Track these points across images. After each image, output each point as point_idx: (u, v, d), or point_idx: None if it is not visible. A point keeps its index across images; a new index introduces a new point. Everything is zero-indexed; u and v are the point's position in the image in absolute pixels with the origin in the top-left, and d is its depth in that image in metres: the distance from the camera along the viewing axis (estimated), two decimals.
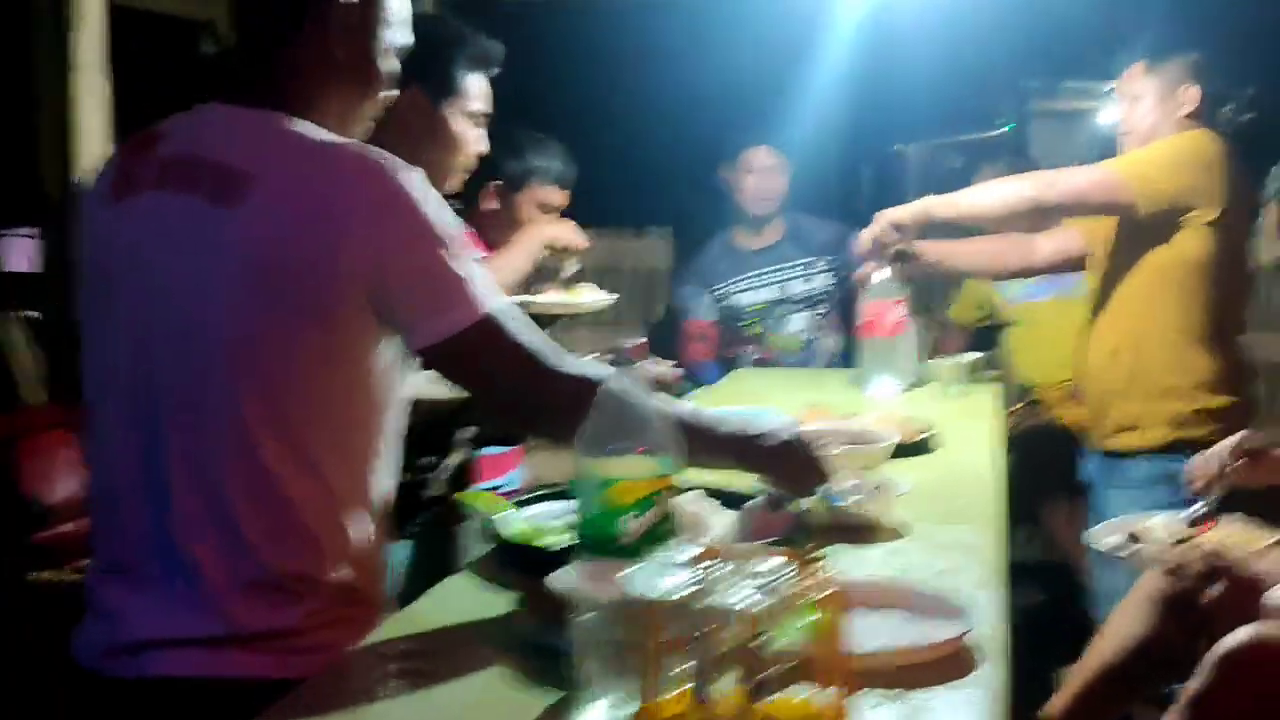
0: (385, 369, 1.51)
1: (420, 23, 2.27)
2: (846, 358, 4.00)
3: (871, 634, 1.35)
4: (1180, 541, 1.87)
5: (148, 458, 1.47)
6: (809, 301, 4.16)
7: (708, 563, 1.12)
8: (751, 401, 3.11)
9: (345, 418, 1.49)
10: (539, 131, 3.29)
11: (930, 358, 3.39)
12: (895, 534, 1.86)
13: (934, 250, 3.39)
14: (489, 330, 1.46)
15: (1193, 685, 1.72)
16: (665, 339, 5.15)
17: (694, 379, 4.21)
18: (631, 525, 1.21)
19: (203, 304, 1.44)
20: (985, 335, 4.44)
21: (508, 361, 1.48)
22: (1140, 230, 2.83)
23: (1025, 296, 4.09)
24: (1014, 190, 2.85)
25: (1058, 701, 2.13)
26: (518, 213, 3.09)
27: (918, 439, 2.47)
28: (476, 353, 1.46)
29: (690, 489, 1.87)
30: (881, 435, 2.29)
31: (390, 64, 1.63)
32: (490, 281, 1.50)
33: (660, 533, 1.23)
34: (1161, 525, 1.96)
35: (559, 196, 3.16)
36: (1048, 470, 3.74)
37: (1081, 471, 3.21)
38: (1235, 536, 1.90)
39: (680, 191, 5.12)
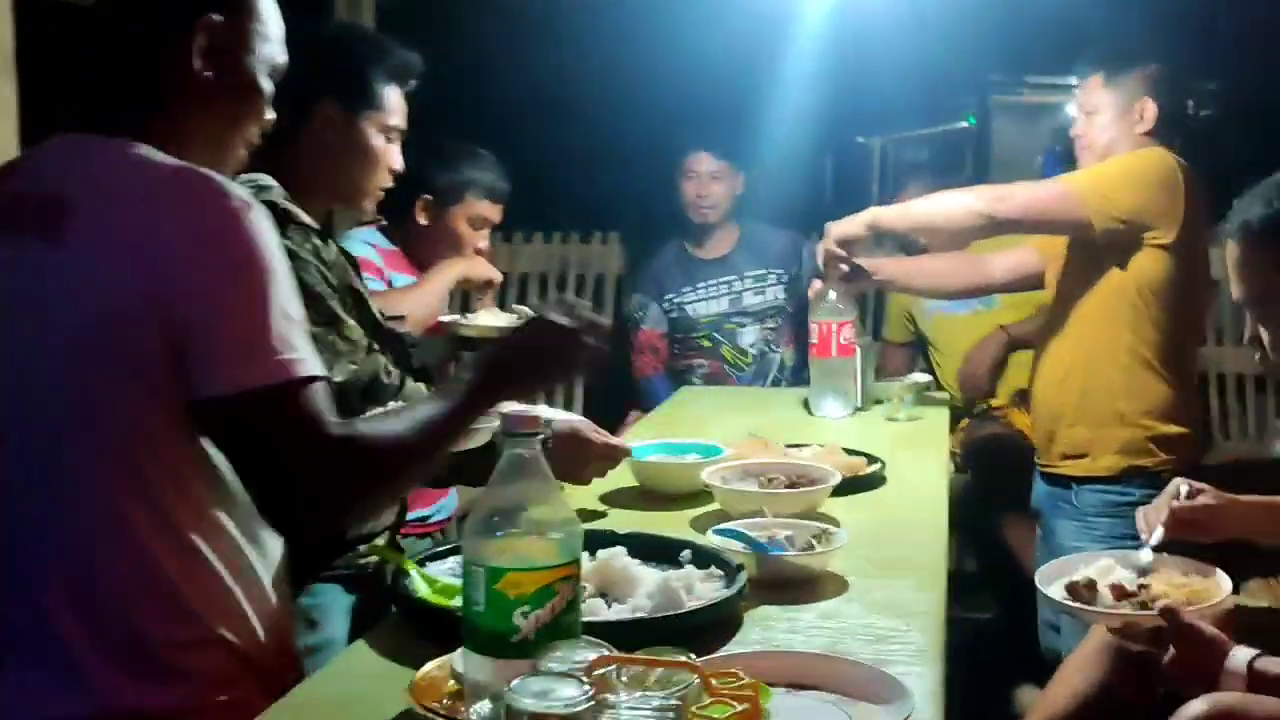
0: None
1: (335, 33, 2.16)
2: (799, 373, 3.92)
3: None
4: (1128, 595, 1.77)
5: None
6: (761, 315, 4.06)
7: (604, 670, 1.01)
8: (696, 425, 3.03)
9: (208, 474, 1.36)
10: (487, 135, 3.18)
11: (878, 378, 3.29)
12: (832, 589, 1.75)
13: (886, 268, 3.31)
14: (293, 397, 1.29)
15: None
16: (615, 349, 5.06)
17: (643, 393, 4.12)
18: (526, 621, 1.09)
19: (38, 357, 1.32)
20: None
21: (301, 439, 1.29)
22: (1095, 250, 2.74)
23: (943, 310, 3.99)
24: (967, 204, 2.76)
25: None
26: (450, 228, 2.98)
27: (864, 474, 2.37)
28: (268, 418, 1.29)
29: (615, 544, 1.77)
30: (823, 474, 2.18)
31: (266, 85, 1.52)
32: (312, 348, 1.34)
33: (560, 629, 1.11)
34: (1111, 571, 1.85)
35: (493, 211, 3.05)
36: (1005, 482, 3.65)
37: (1032, 496, 3.12)
38: (1185, 586, 1.80)
39: (632, 195, 5.00)
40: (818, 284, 3.05)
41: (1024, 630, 3.13)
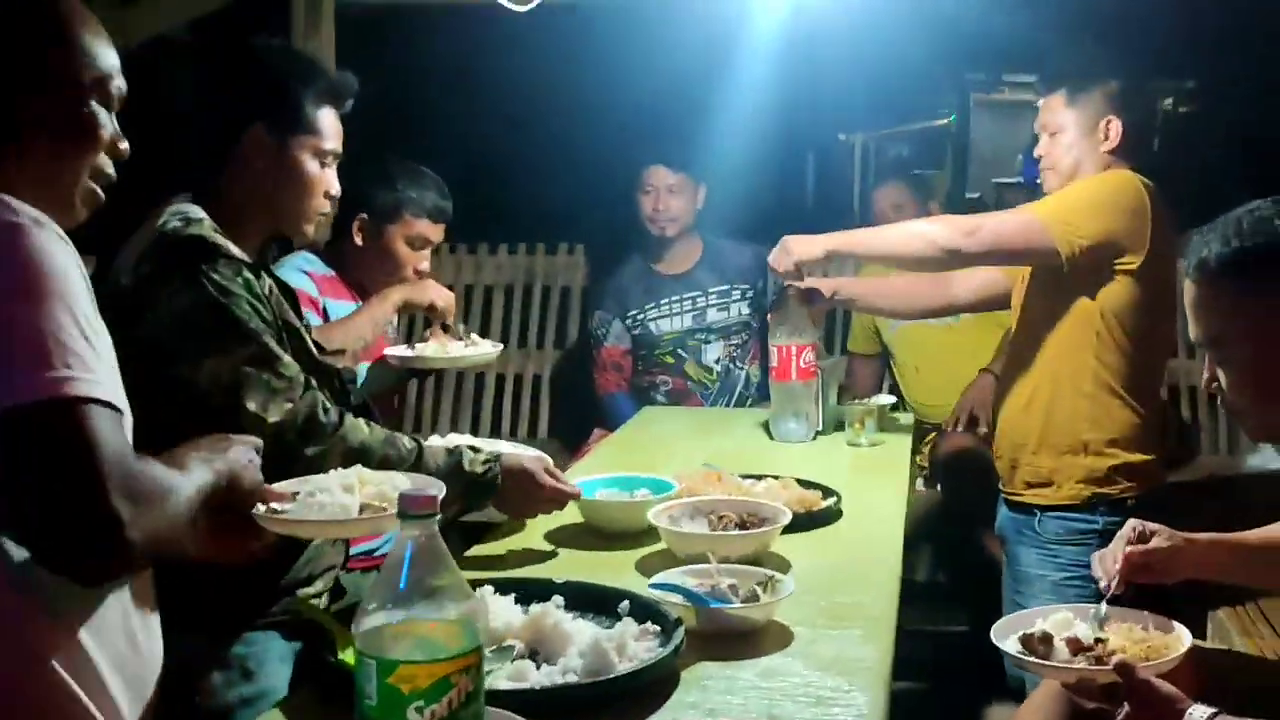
0: None
1: (261, 55, 2.07)
2: (766, 389, 3.86)
3: None
4: (1084, 649, 1.71)
5: None
6: (725, 331, 4.00)
7: None
8: (657, 447, 2.97)
9: None
10: (448, 147, 3.10)
11: (843, 393, 3.23)
12: (775, 642, 1.69)
13: (848, 288, 3.27)
14: (67, 415, 1.18)
15: None
16: (579, 366, 4.99)
17: (607, 411, 4.06)
18: (420, 718, 1.02)
19: None
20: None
21: (67, 460, 1.18)
22: (1061, 277, 2.68)
23: (910, 322, 3.92)
24: (930, 237, 2.69)
25: None
26: (388, 248, 2.89)
27: (818, 509, 2.30)
28: (32, 436, 1.18)
29: (552, 594, 1.70)
30: (774, 513, 2.11)
31: (102, 116, 1.43)
32: (97, 369, 1.24)
33: None
34: (1069, 624, 1.79)
35: (433, 231, 2.96)
36: (974, 496, 3.60)
37: (997, 522, 3.06)
38: (1144, 641, 1.74)
39: (597, 206, 4.93)
40: (775, 313, 3.00)
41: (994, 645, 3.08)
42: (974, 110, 7.68)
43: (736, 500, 2.22)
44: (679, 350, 4.03)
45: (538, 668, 1.52)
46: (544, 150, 5.08)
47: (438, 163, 3.09)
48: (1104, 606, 1.78)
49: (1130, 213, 2.65)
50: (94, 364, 1.24)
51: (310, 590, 2.00)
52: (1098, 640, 1.71)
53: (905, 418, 3.33)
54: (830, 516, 2.31)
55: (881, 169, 7.18)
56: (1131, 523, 1.91)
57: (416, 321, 4.43)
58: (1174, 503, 2.77)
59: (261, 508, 1.50)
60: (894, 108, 7.11)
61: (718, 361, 4.00)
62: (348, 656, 1.52)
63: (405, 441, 1.99)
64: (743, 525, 2.10)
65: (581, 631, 1.59)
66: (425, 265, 2.98)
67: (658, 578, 1.80)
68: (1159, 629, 1.75)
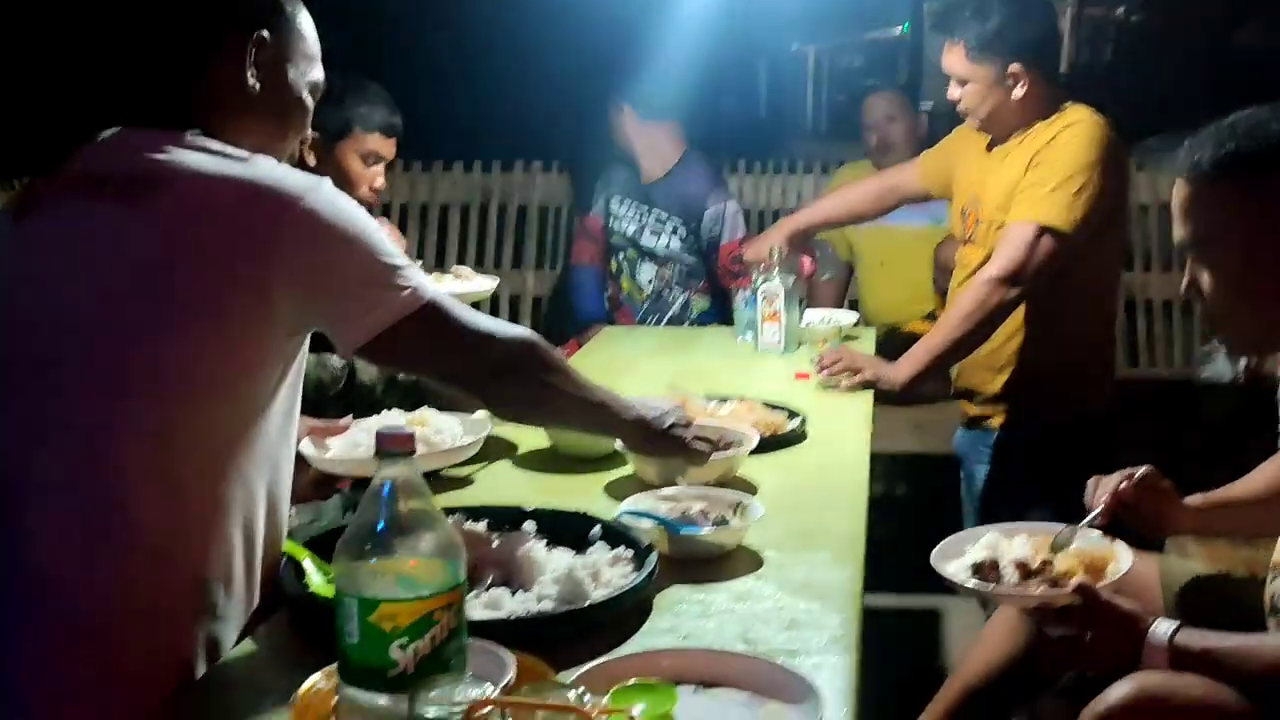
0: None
1: None
2: (708, 320, 3.90)
3: None
4: (1034, 572, 1.72)
5: None
6: (654, 256, 3.98)
7: (485, 714, 0.94)
8: (624, 368, 2.97)
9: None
10: (406, 64, 3.03)
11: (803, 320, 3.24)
12: (746, 565, 1.70)
13: (816, 217, 3.32)
14: (428, 315, 1.48)
15: None
16: (540, 284, 4.97)
17: (575, 284, 4.11)
18: (404, 655, 1.01)
19: (108, 302, 1.41)
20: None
21: (454, 341, 1.53)
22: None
23: (879, 223, 3.86)
24: (980, 304, 2.68)
25: (926, 717, 2.00)
26: (340, 166, 2.82)
27: (784, 431, 2.31)
28: (422, 338, 1.49)
29: (524, 520, 1.70)
30: (741, 437, 2.12)
31: (309, 101, 1.63)
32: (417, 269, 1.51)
33: (442, 660, 1.03)
34: (997, 545, 1.79)
35: (384, 146, 2.89)
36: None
37: (955, 440, 3.11)
38: (1085, 554, 1.74)
39: (558, 123, 4.86)
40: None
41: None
42: (927, 19, 7.60)
43: (703, 425, 2.21)
44: (623, 256, 4.03)
45: (512, 595, 1.52)
46: (499, 63, 4.97)
47: (389, 77, 3.02)
48: (1076, 531, 1.79)
49: (1107, 167, 2.69)
50: (412, 268, 1.53)
51: None
52: (1044, 563, 1.73)
53: (866, 335, 3.34)
54: (796, 438, 2.31)
55: (835, 79, 7.12)
56: (1148, 468, 1.91)
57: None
58: (1135, 405, 2.85)
59: (309, 445, 1.78)
60: (847, 18, 7.03)
61: (649, 283, 4.00)
62: (318, 587, 1.52)
63: (334, 361, 2.05)
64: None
65: (554, 559, 1.60)
66: (380, 182, 2.93)
67: (628, 504, 1.81)
68: (1098, 547, 1.77)
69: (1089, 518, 1.84)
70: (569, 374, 1.72)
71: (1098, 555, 1.73)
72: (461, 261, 4.91)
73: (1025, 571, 1.70)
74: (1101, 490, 1.90)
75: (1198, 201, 1.65)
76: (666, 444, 1.89)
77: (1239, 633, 1.60)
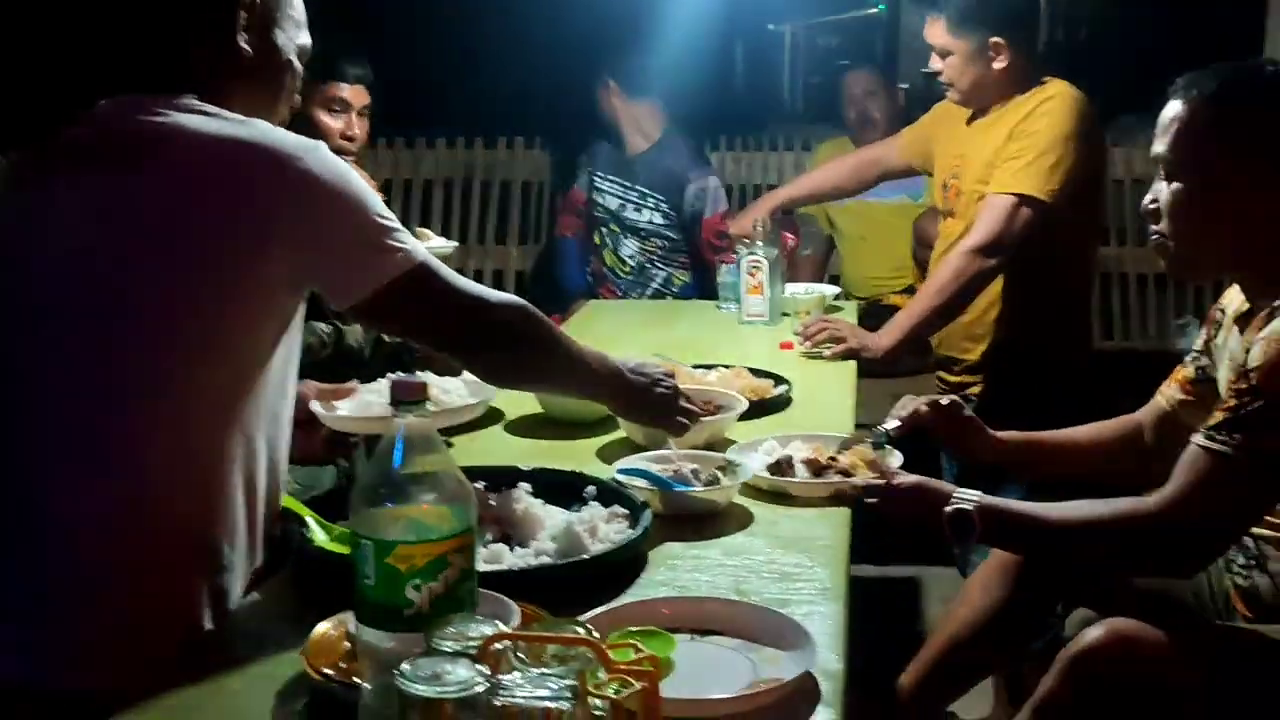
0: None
1: None
2: (689, 293, 3.95)
3: (701, 669, 1.28)
4: (824, 467, 1.88)
5: None
6: (637, 230, 4.01)
7: (500, 646, 0.99)
8: (607, 342, 2.99)
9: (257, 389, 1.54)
10: (390, 38, 3.03)
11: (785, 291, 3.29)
12: (737, 522, 1.75)
13: (798, 193, 3.37)
14: (421, 276, 1.51)
15: (1043, 689, 1.66)
16: (523, 259, 5.00)
17: (557, 254, 4.15)
18: (419, 595, 1.06)
19: (119, 265, 1.43)
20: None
21: (445, 303, 1.55)
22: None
23: (860, 198, 3.96)
24: (960, 273, 2.76)
25: (909, 674, 2.06)
26: (306, 116, 2.80)
27: (770, 396, 2.36)
28: (415, 298, 1.51)
29: (520, 480, 1.74)
30: (729, 401, 2.17)
31: (298, 65, 1.64)
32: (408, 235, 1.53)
33: (454, 600, 1.07)
34: (776, 450, 1.96)
35: (352, 94, 2.90)
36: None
37: None
38: (864, 455, 1.94)
39: (541, 98, 4.88)
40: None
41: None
42: (903, 0, 7.66)
43: (692, 389, 2.25)
44: (606, 231, 4.06)
45: (511, 549, 1.57)
46: (484, 39, 4.99)
47: (374, 54, 3.04)
48: (861, 438, 1.99)
49: (1086, 138, 2.76)
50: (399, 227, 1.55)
51: None
52: (831, 458, 1.91)
53: (848, 308, 3.39)
54: (782, 403, 2.36)
55: (811, 59, 7.15)
56: (952, 398, 2.12)
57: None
58: (1097, 382, 2.92)
59: (319, 406, 1.84)
60: None
61: (631, 257, 4.04)
62: (323, 543, 1.56)
63: (322, 326, 2.08)
64: None
65: (552, 515, 1.64)
66: (357, 131, 2.94)
67: (622, 463, 1.85)
68: (875, 452, 1.96)
69: (882, 427, 2.04)
70: (559, 340, 1.74)
71: (873, 456, 1.93)
72: (446, 236, 4.94)
73: (815, 467, 1.88)
74: (901, 407, 2.08)
75: (1188, 123, 1.74)
76: (653, 409, 1.92)
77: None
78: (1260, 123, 1.72)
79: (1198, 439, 1.64)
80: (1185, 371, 2.03)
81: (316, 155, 1.47)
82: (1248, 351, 1.65)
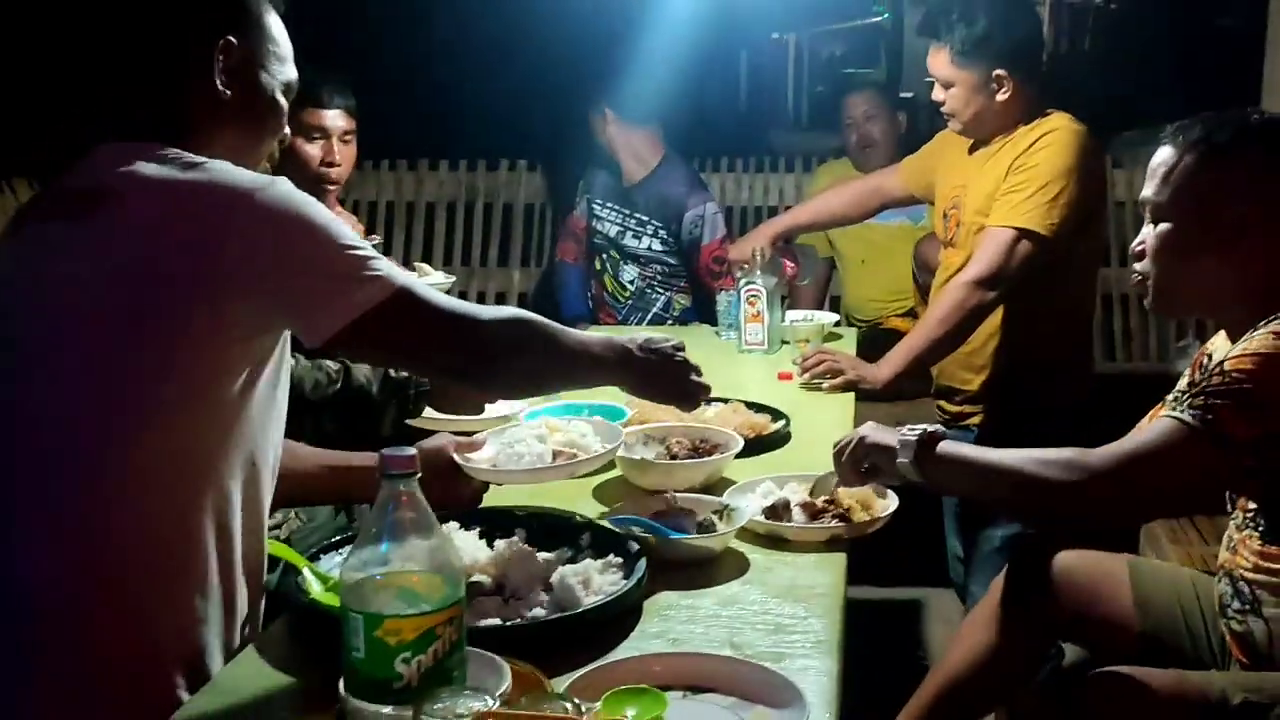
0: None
1: None
2: (689, 318, 3.96)
3: None
4: (821, 512, 1.89)
5: None
6: (637, 257, 4.02)
7: None
8: None
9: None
10: (394, 64, 3.01)
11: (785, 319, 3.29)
12: (732, 569, 1.75)
13: (800, 220, 3.38)
14: (403, 302, 1.45)
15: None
16: (523, 282, 5.00)
17: (559, 280, 4.15)
18: (408, 668, 1.06)
19: (62, 323, 1.42)
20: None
21: (435, 326, 1.50)
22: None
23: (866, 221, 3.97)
24: (959, 306, 2.76)
25: (907, 713, 2.06)
26: (289, 147, 2.81)
27: (768, 433, 2.35)
28: (399, 325, 1.46)
29: (515, 526, 1.75)
30: (726, 440, 2.17)
31: (282, 101, 1.63)
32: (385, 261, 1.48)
33: (443, 674, 1.08)
34: (773, 493, 1.97)
35: (330, 119, 2.89)
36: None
37: None
38: (858, 495, 1.94)
39: (540, 122, 4.89)
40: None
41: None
42: (908, 7, 7.66)
43: (688, 426, 2.26)
44: (605, 257, 4.07)
45: (505, 602, 1.57)
46: (484, 63, 5.00)
47: (375, 78, 3.04)
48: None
49: (1083, 176, 2.76)
50: (374, 256, 1.49)
51: (272, 520, 2.03)
52: (827, 502, 1.92)
53: (848, 335, 3.39)
54: (780, 440, 2.36)
55: (815, 68, 7.16)
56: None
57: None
58: (1098, 404, 2.92)
59: (461, 459, 1.81)
60: (827, 6, 7.07)
61: (631, 283, 4.04)
62: (319, 595, 1.56)
63: (330, 365, 2.08)
64: (695, 451, 2.15)
65: (546, 566, 1.64)
66: (337, 157, 2.92)
67: (615, 511, 1.85)
68: (875, 493, 1.95)
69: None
70: (561, 339, 1.67)
71: (867, 495, 1.94)
72: (447, 260, 4.95)
73: (812, 511, 1.89)
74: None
75: (1175, 167, 1.78)
76: (664, 388, 1.87)
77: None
78: (1246, 169, 1.75)
79: (1165, 411, 1.69)
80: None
81: (271, 190, 1.43)
82: None
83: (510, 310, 1.62)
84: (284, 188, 1.44)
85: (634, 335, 1.86)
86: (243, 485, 1.52)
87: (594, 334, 1.77)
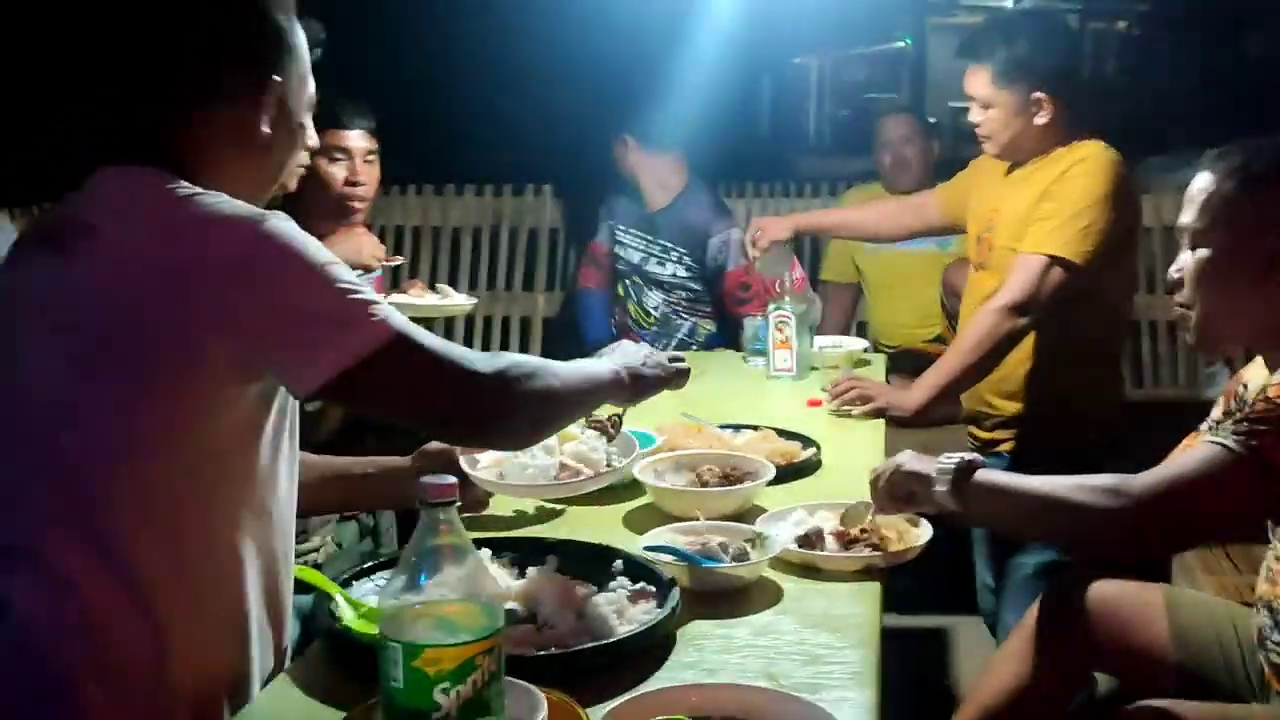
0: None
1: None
2: (714, 344, 3.94)
3: None
4: (855, 540, 1.88)
5: None
6: (661, 284, 4.01)
7: None
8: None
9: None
10: (418, 88, 3.01)
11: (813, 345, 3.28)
12: (766, 598, 1.74)
13: (826, 220, 3.37)
14: (398, 350, 1.36)
15: None
16: (548, 307, 5.01)
17: (581, 307, 4.16)
18: (447, 699, 1.05)
19: (46, 361, 1.38)
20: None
21: (430, 380, 1.40)
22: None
23: (893, 247, 3.95)
24: (990, 332, 2.74)
25: None
26: (307, 164, 2.81)
27: (798, 460, 2.34)
28: (391, 377, 1.37)
29: (546, 555, 1.75)
30: (757, 467, 2.16)
31: (307, 121, 1.59)
32: (385, 304, 1.41)
33: (483, 703, 1.07)
34: (804, 523, 1.95)
35: (352, 140, 2.90)
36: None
37: None
38: (894, 526, 1.92)
39: (565, 147, 4.89)
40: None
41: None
42: (930, 33, 7.68)
43: (719, 454, 2.25)
44: (629, 283, 4.06)
45: (538, 631, 1.56)
46: (510, 88, 5.02)
47: (403, 103, 3.04)
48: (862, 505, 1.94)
49: (1116, 203, 2.74)
50: (374, 296, 1.42)
51: (308, 545, 2.03)
52: (863, 530, 1.89)
53: (877, 361, 3.38)
54: (810, 468, 2.35)
55: (838, 92, 7.17)
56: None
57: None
58: (1128, 431, 2.91)
59: (466, 464, 1.80)
60: (849, 30, 7.08)
61: (656, 309, 4.04)
62: (351, 622, 1.56)
63: None
64: (726, 479, 2.14)
65: (579, 595, 1.63)
66: (361, 177, 2.91)
67: (649, 538, 1.85)
68: (909, 522, 1.93)
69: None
70: (553, 378, 1.58)
71: (900, 524, 1.92)
72: (473, 285, 4.96)
73: (845, 540, 1.88)
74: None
75: (1215, 194, 1.77)
76: (653, 388, 1.89)
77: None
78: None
79: (1207, 437, 1.67)
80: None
81: (263, 226, 1.35)
82: None
83: (498, 365, 1.49)
84: (277, 223, 1.37)
85: (613, 347, 1.92)
86: (256, 538, 1.48)
87: (574, 364, 1.72)
